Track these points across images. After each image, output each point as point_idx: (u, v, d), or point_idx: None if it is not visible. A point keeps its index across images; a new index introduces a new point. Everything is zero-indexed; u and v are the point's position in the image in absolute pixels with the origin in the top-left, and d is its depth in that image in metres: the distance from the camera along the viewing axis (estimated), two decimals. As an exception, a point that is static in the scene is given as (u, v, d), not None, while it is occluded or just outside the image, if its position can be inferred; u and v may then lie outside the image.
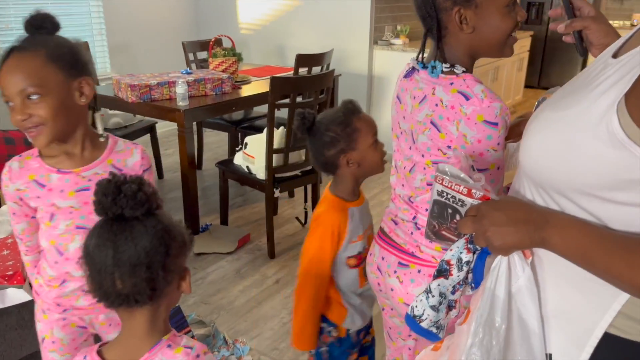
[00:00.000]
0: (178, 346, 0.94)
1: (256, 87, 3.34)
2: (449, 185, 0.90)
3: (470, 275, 0.88)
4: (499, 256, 0.84)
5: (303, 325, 1.42)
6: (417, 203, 1.20)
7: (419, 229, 1.20)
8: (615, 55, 0.80)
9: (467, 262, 0.87)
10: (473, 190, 0.87)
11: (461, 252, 0.87)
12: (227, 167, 2.99)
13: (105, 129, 3.76)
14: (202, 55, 4.14)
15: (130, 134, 3.57)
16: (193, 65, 4.03)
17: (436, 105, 1.11)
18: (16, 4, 3.91)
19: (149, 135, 3.80)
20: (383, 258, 1.27)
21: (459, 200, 0.89)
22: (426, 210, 1.15)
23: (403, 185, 1.23)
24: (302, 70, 3.45)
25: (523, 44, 5.90)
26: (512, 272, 0.84)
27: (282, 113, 2.94)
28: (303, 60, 3.41)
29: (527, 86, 6.73)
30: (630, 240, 0.70)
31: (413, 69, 1.21)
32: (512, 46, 1.15)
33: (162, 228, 0.85)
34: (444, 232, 0.94)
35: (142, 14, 4.75)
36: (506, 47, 1.14)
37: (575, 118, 0.75)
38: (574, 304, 0.79)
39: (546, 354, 0.82)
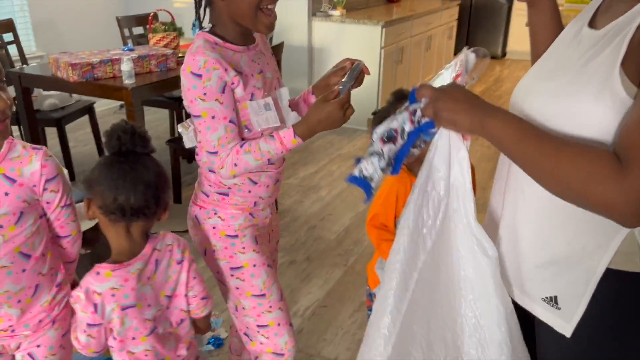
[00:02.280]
0: (163, 232, 1.27)
1: (201, 62, 3.27)
2: (456, 62, 1.02)
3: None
4: (440, 131, 0.93)
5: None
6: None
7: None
8: (592, 25, 0.89)
9: (409, 134, 0.97)
10: (459, 78, 0.98)
11: (404, 124, 0.97)
12: (178, 145, 2.94)
13: (40, 111, 3.56)
14: (137, 30, 3.99)
15: (68, 116, 3.42)
16: (129, 42, 3.88)
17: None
18: None
19: (87, 116, 3.64)
20: None
21: (441, 74, 1.02)
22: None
23: None
24: (246, 44, 3.42)
25: (451, 13, 6.11)
26: (452, 149, 0.94)
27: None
28: (247, 33, 3.37)
29: (457, 53, 7.00)
30: (565, 137, 0.80)
31: None
32: (268, 22, 1.21)
33: (160, 163, 1.16)
34: None
35: (67, -12, 4.48)
36: (258, 21, 1.20)
37: (572, 85, 0.83)
38: (575, 247, 0.89)
39: (551, 297, 0.93)
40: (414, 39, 5.07)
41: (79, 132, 4.32)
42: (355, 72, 1.28)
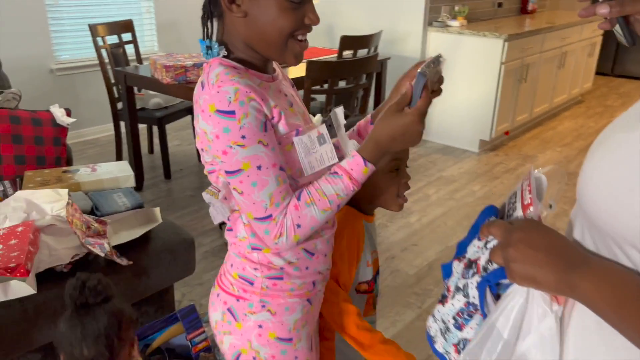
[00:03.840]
0: None
1: (296, 70, 3.17)
2: (523, 187, 0.75)
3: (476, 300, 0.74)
4: (515, 285, 0.68)
5: None
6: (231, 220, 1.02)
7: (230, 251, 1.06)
8: None
9: (463, 287, 0.74)
10: (531, 208, 0.71)
11: (459, 279, 0.75)
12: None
13: (146, 109, 3.72)
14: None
15: (171, 115, 3.51)
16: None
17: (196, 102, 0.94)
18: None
19: (190, 116, 3.73)
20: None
21: (514, 207, 0.75)
22: (236, 236, 1.01)
23: None
24: (347, 53, 3.26)
25: (595, 27, 5.39)
26: (528, 313, 0.67)
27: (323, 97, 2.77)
28: (348, 42, 3.21)
29: (599, 73, 6.20)
30: None
31: None
32: (299, 51, 0.92)
33: (115, 310, 1.14)
34: None
35: (191, -8, 4.66)
36: (287, 51, 0.91)
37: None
38: None
39: None
40: (544, 54, 4.53)
41: (187, 131, 4.46)
42: (436, 65, 0.91)
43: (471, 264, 0.77)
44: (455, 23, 4.22)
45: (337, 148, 1.01)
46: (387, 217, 3.13)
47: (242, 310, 1.03)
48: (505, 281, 0.70)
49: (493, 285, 0.72)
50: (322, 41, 4.64)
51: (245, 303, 1.03)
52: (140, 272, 1.75)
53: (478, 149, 4.26)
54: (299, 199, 0.92)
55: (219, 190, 0.96)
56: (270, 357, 1.04)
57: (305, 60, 3.32)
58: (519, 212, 0.73)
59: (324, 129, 0.97)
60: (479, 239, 0.77)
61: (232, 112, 0.86)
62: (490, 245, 0.74)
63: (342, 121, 1.05)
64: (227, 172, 0.90)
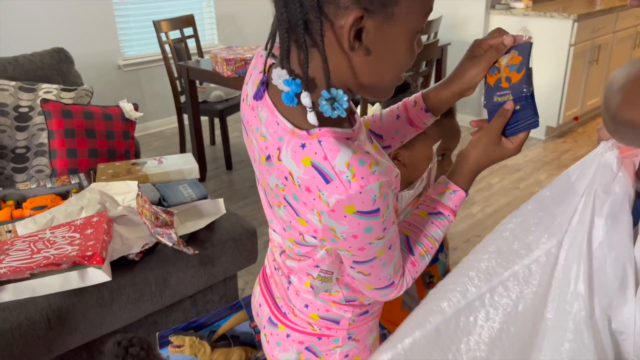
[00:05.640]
0: None
1: (355, 59, 3.15)
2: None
3: None
4: None
5: None
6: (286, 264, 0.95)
7: (292, 285, 0.96)
8: None
9: None
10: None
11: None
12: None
13: (207, 102, 3.82)
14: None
15: (231, 107, 3.58)
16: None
17: (286, 179, 0.73)
18: (131, -21, 4.06)
19: (249, 108, 3.79)
20: (260, 305, 1.05)
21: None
22: (308, 275, 0.90)
23: (275, 229, 0.91)
24: (406, 40, 3.19)
25: (676, 2, 5.02)
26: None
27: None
28: (407, 29, 3.14)
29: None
30: None
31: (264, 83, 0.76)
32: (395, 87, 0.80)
33: None
34: None
35: (249, -16, 4.72)
36: (392, 87, 0.78)
37: None
38: None
39: None
40: (618, 34, 4.26)
41: (246, 122, 4.54)
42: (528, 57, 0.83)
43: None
44: (519, 4, 4.04)
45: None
46: (448, 207, 3.06)
47: (326, 347, 0.98)
48: None
49: None
50: (379, 29, 4.58)
51: (330, 339, 0.98)
52: (205, 261, 1.80)
53: (545, 136, 4.08)
54: (412, 253, 0.88)
55: (332, 273, 0.88)
56: None
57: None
58: None
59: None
60: None
61: (377, 210, 0.72)
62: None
63: None
64: (356, 262, 0.81)
